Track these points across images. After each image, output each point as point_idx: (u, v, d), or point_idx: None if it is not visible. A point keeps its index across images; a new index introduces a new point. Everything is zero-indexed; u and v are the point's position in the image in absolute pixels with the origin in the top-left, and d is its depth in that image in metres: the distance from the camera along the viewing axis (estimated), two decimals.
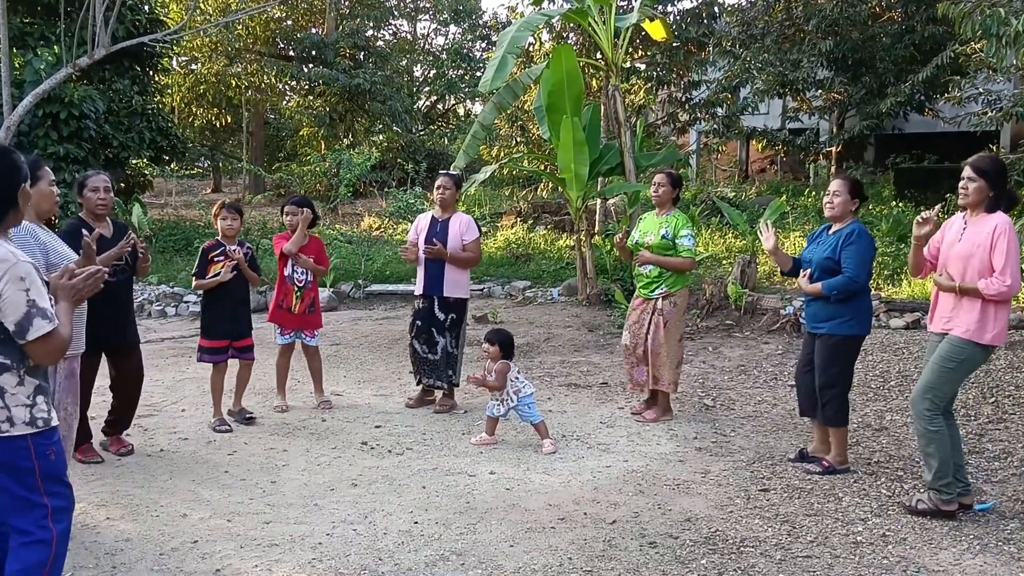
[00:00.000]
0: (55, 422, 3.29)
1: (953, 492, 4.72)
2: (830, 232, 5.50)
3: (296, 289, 6.87)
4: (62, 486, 3.32)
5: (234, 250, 6.41)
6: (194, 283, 6.52)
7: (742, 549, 4.37)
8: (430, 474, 5.47)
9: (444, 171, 7.68)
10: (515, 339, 6.44)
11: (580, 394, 7.46)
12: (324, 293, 11.84)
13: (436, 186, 7.10)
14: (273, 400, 7.05)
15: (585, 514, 4.81)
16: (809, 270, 5.45)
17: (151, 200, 22.19)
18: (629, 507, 4.92)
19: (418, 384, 7.13)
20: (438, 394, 7.08)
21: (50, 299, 3.16)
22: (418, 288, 7.04)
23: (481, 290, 12.49)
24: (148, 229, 15.23)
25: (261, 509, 4.89)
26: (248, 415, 6.62)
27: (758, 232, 5.66)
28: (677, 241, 6.50)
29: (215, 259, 6.40)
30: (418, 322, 7.00)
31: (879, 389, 7.40)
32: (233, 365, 6.62)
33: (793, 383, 6.28)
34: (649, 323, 6.60)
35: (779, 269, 5.72)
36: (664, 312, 6.56)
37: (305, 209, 6.81)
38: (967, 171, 4.69)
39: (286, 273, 6.86)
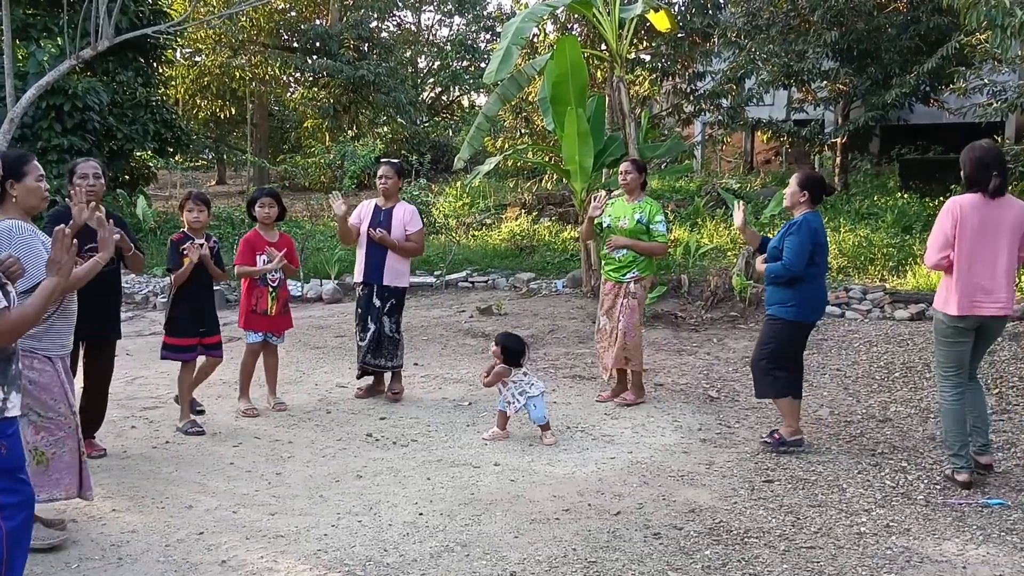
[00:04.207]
0: (12, 412, 3.13)
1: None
2: None
3: (271, 290, 6.58)
4: (16, 481, 3.13)
5: (200, 244, 6.05)
6: (171, 278, 6.11)
7: (746, 540, 4.38)
8: (435, 466, 5.48)
9: (386, 159, 7.53)
10: (519, 331, 6.46)
11: (584, 385, 7.47)
12: (328, 285, 11.86)
13: (378, 175, 7.03)
14: (262, 399, 6.79)
15: (589, 505, 4.82)
16: (764, 255, 5.86)
17: (155, 192, 22.18)
18: (633, 498, 4.93)
19: (359, 377, 7.15)
20: (386, 382, 7.09)
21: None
22: (357, 275, 7.02)
23: (485, 282, 12.50)
24: (152, 221, 15.24)
25: (266, 500, 4.91)
26: (197, 407, 6.39)
27: (734, 210, 6.00)
28: (652, 226, 6.72)
29: (185, 252, 6.04)
30: (359, 310, 7.04)
31: (883, 380, 7.40)
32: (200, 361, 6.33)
33: None
34: (621, 306, 6.79)
35: (750, 247, 6.10)
36: (637, 295, 6.80)
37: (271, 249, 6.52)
38: None
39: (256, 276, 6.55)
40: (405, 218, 6.95)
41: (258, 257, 6.54)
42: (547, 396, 6.20)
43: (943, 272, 5.05)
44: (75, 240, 3.46)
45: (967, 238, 4.89)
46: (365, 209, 7.06)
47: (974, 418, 5.15)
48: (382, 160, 7.51)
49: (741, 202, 6.23)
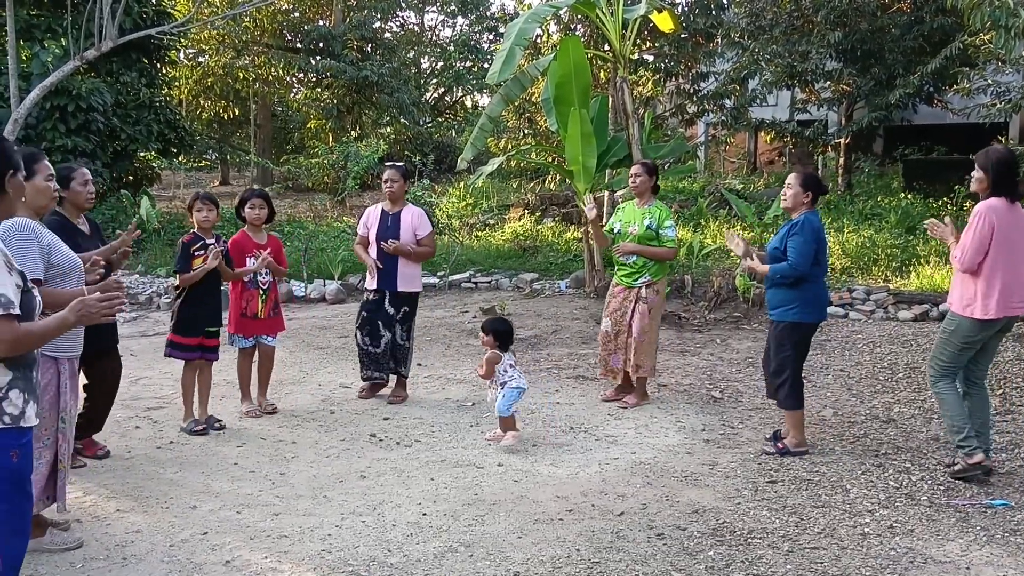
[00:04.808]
0: (28, 423, 3.05)
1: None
2: None
3: (261, 292, 6.47)
4: (19, 493, 3.04)
5: (213, 245, 6.07)
6: (179, 279, 6.07)
7: (750, 540, 4.38)
8: (438, 466, 5.49)
9: (391, 163, 7.48)
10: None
11: (588, 386, 7.47)
12: (332, 286, 11.87)
13: (384, 179, 6.97)
14: (264, 401, 6.74)
15: (593, 506, 4.82)
16: (762, 254, 5.85)
17: (159, 193, 22.21)
18: (637, 499, 4.93)
19: (364, 379, 7.09)
20: (390, 384, 7.05)
21: (19, 286, 2.95)
22: (370, 283, 6.94)
23: (489, 282, 12.50)
24: (156, 222, 15.26)
25: (270, 501, 4.92)
26: (217, 422, 6.27)
27: (727, 237, 6.07)
28: (661, 231, 6.68)
29: (196, 253, 6.04)
30: (364, 313, 6.95)
31: (887, 381, 7.39)
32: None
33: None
34: (632, 311, 6.73)
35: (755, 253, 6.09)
36: (648, 300, 6.72)
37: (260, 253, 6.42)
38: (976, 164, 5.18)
39: (247, 278, 6.44)
40: (414, 222, 6.90)
41: (248, 260, 6.47)
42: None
43: (967, 277, 5.04)
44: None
45: (1003, 242, 4.96)
46: (372, 215, 6.99)
47: (979, 424, 5.16)
48: (387, 163, 7.46)
49: (736, 234, 6.13)
